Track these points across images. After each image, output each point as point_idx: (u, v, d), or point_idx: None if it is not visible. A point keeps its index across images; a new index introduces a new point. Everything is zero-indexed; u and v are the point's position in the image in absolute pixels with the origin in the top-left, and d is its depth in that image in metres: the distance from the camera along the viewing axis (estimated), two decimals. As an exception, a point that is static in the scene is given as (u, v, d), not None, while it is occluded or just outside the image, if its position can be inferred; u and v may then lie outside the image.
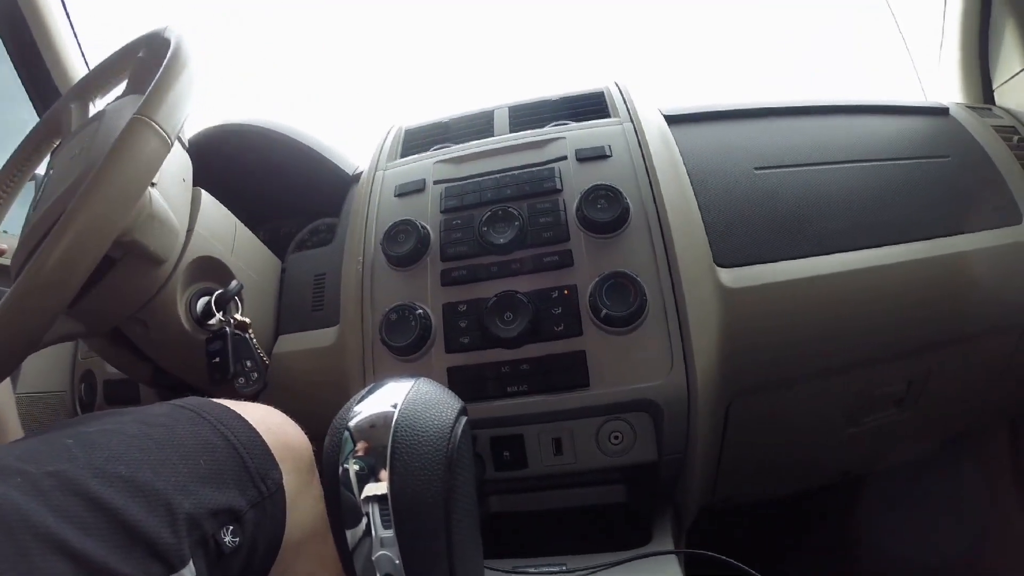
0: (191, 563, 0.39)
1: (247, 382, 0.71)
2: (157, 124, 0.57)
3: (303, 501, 0.50)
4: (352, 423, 0.38)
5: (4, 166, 0.76)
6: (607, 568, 0.64)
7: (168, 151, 0.58)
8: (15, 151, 0.76)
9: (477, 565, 0.43)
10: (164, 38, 0.65)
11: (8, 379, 0.80)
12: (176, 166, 0.71)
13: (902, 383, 0.77)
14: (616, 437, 0.67)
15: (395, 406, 0.38)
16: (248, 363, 0.72)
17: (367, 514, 0.36)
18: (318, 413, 0.61)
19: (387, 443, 0.36)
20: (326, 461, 0.38)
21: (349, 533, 0.37)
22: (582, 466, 0.68)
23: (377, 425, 0.37)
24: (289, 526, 0.48)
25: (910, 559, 1.01)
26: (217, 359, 0.71)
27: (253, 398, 0.72)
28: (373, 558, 0.37)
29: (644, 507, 0.74)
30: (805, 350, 0.70)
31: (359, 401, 0.40)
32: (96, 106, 0.74)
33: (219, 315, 0.72)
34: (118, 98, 0.71)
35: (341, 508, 0.37)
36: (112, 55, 0.74)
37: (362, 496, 0.36)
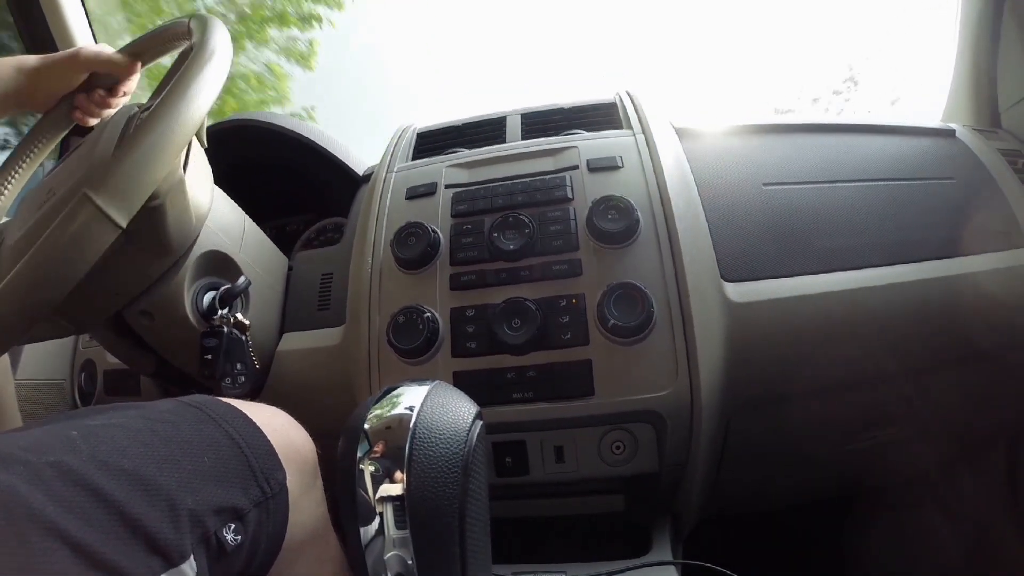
0: (192, 559, 0.39)
1: (233, 383, 0.71)
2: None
3: (305, 503, 0.50)
4: (368, 424, 0.38)
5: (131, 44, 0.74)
6: None
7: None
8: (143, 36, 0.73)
9: (487, 568, 0.43)
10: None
11: (8, 363, 0.80)
12: (203, 158, 0.71)
13: (902, 402, 0.78)
14: (618, 447, 0.67)
15: (411, 409, 0.38)
16: (239, 365, 0.72)
17: (380, 514, 0.37)
18: (320, 412, 0.62)
19: (405, 445, 0.36)
20: (340, 461, 0.38)
21: (362, 532, 0.37)
22: (583, 475, 0.69)
23: (394, 427, 0.38)
24: (291, 527, 0.48)
25: (905, 574, 1.01)
26: (209, 355, 0.71)
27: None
28: (385, 558, 0.37)
29: (642, 517, 0.75)
30: (807, 366, 0.71)
31: (375, 402, 0.40)
32: None
33: (222, 312, 0.72)
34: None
35: (356, 507, 0.37)
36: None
37: (377, 496, 0.36)
